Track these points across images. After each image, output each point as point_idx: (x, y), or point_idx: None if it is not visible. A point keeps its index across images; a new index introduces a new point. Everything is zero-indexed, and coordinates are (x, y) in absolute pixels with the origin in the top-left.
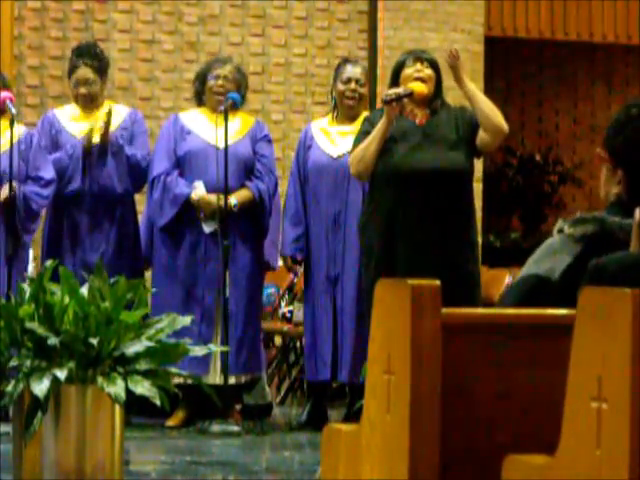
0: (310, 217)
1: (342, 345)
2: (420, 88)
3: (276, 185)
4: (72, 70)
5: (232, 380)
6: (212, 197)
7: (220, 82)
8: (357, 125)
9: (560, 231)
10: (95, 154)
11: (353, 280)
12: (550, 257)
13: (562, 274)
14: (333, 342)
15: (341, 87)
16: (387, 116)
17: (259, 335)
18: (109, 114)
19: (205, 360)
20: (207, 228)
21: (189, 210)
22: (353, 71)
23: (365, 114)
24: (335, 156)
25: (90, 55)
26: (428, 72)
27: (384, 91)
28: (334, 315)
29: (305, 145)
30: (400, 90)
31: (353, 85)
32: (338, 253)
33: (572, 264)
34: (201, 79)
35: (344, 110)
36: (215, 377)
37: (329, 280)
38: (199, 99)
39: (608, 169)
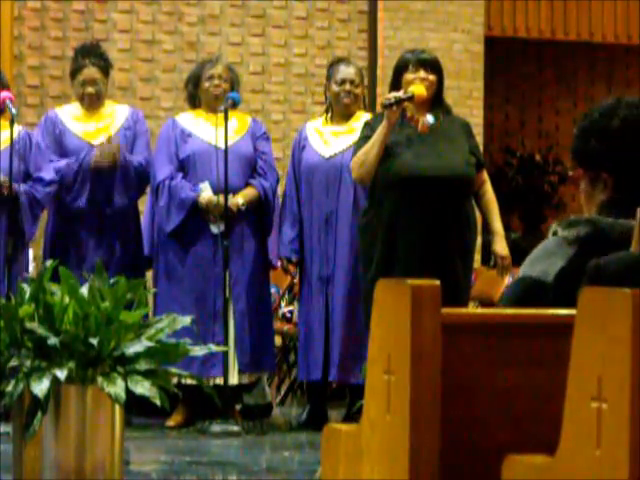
0: (303, 218)
1: (332, 345)
2: (420, 91)
3: (278, 181)
4: (77, 70)
5: (245, 379)
6: (220, 198)
7: (216, 82)
8: (350, 125)
9: (554, 234)
10: (103, 173)
11: (344, 280)
12: (544, 259)
13: (556, 276)
14: (325, 342)
15: (336, 88)
16: (388, 120)
17: (271, 332)
18: (118, 150)
19: (219, 360)
20: (215, 229)
21: (195, 212)
22: (347, 72)
23: (360, 114)
24: (327, 156)
25: (96, 55)
26: (431, 78)
27: (384, 93)
28: (326, 315)
29: (300, 145)
30: (400, 94)
31: (348, 86)
32: (330, 253)
33: (566, 266)
34: (194, 82)
35: (339, 110)
36: (232, 377)
37: (322, 280)
38: (192, 102)
39: (587, 183)
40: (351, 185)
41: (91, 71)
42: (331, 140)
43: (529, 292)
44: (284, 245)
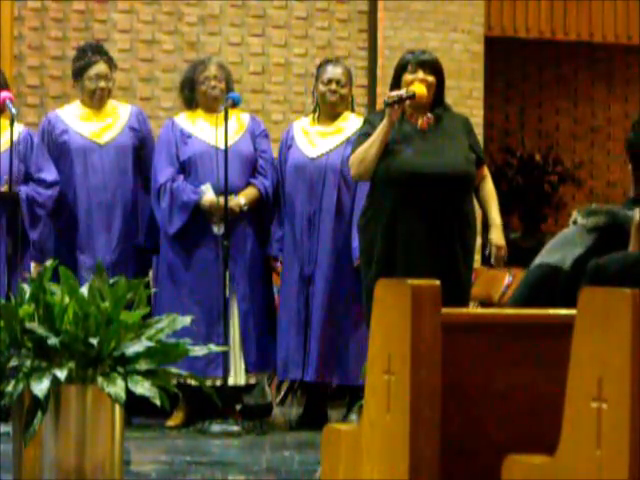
0: (287, 217)
1: (311, 344)
2: (421, 90)
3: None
4: (88, 65)
5: (252, 379)
6: (222, 200)
7: (212, 83)
8: (337, 126)
9: (574, 222)
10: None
11: (324, 280)
12: (562, 247)
13: (573, 264)
14: (304, 341)
15: (322, 88)
16: (389, 118)
17: (274, 332)
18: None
19: (221, 360)
20: (217, 230)
21: (197, 214)
22: (334, 72)
23: (347, 115)
24: (312, 157)
25: (105, 52)
26: (430, 79)
27: (384, 93)
28: (306, 314)
29: (286, 144)
30: (402, 92)
31: (334, 86)
32: (312, 253)
33: (583, 254)
34: (189, 85)
35: (325, 110)
36: (236, 378)
37: (303, 280)
38: (190, 105)
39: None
40: (335, 186)
41: (103, 66)
42: (317, 140)
43: (545, 279)
44: (270, 244)
